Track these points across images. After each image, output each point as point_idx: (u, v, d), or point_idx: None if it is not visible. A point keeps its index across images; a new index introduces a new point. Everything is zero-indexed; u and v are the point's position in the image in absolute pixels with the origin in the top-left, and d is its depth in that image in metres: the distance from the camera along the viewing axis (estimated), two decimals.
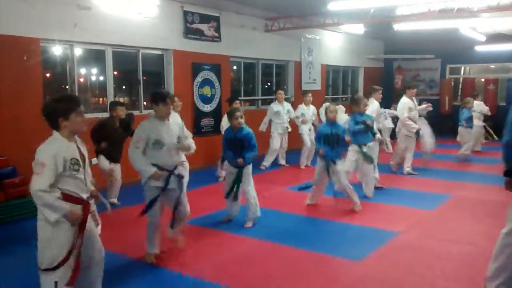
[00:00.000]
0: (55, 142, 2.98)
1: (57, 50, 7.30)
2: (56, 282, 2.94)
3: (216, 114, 9.58)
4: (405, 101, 8.28)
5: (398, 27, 10.87)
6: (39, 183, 2.84)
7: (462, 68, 15.88)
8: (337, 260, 4.40)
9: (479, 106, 10.86)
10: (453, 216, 5.86)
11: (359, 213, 6.02)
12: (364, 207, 6.34)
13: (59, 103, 3.03)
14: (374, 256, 4.51)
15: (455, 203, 6.49)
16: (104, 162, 6.33)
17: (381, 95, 8.12)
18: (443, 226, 5.49)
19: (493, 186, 6.87)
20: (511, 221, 3.33)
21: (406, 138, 8.30)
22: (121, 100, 8.74)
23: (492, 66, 15.11)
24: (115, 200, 6.56)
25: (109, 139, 6.21)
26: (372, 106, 7.60)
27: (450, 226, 5.46)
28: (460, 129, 10.05)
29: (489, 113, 11.28)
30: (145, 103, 8.65)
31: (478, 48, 13.74)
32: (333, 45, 13.60)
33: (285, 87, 11.95)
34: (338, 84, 14.75)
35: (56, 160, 2.89)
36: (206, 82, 9.54)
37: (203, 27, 9.23)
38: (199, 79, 9.37)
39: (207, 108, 9.56)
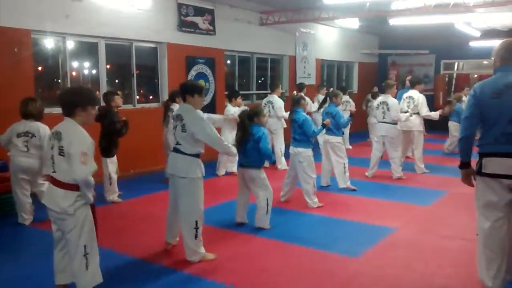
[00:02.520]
0: (82, 129, 3.20)
1: (49, 42, 7.17)
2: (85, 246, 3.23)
3: (211, 108, 9.49)
4: (422, 96, 8.21)
5: (393, 21, 10.83)
6: (86, 170, 3.10)
7: (456, 64, 15.88)
8: (334, 257, 4.35)
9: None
10: (449, 212, 5.84)
11: (355, 209, 6.00)
12: (359, 202, 6.33)
13: (80, 94, 3.30)
14: (371, 252, 4.47)
15: (450, 199, 6.48)
16: (113, 168, 6.30)
17: (396, 91, 7.99)
18: (439, 222, 5.47)
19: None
20: None
21: (419, 134, 8.29)
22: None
23: (485, 62, 15.12)
24: (116, 197, 6.43)
25: (116, 130, 6.20)
26: (395, 104, 7.56)
27: (446, 222, 5.44)
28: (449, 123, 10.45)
29: None
30: (138, 97, 8.55)
31: (473, 44, 13.73)
32: (327, 40, 13.53)
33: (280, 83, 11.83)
34: (333, 79, 14.70)
35: (92, 147, 3.19)
36: (201, 76, 9.44)
37: (198, 20, 9.12)
38: (193, 72, 9.27)
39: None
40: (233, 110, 7.78)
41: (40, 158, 5.20)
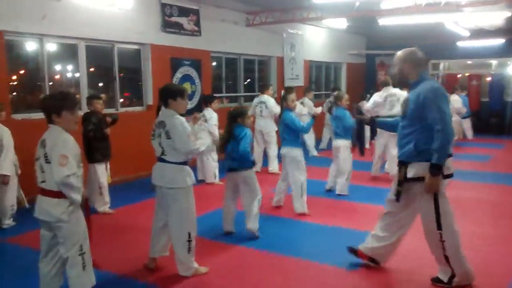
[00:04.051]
0: (66, 134, 3.13)
1: (25, 45, 6.80)
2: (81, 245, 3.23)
3: (198, 111, 9.15)
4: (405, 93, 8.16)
5: (383, 21, 10.64)
6: (66, 171, 3.00)
7: (441, 64, 15.77)
8: (333, 270, 4.09)
9: (455, 102, 10.92)
10: None
11: (350, 215, 5.75)
12: (354, 208, 6.10)
13: (53, 100, 3.21)
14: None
15: None
16: (102, 176, 5.93)
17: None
18: None
19: (468, 183, 7.07)
20: None
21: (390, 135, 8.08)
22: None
23: (469, 62, 15.05)
24: (107, 208, 6.03)
25: (103, 134, 5.93)
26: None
27: None
28: None
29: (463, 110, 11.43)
30: (121, 100, 8.20)
31: (460, 44, 13.64)
32: (315, 41, 13.32)
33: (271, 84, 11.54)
34: (321, 80, 14.49)
35: (75, 154, 3.12)
36: (186, 78, 9.13)
37: (182, 20, 8.82)
38: (178, 75, 8.95)
39: (188, 105, 9.13)
40: (210, 114, 7.47)
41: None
